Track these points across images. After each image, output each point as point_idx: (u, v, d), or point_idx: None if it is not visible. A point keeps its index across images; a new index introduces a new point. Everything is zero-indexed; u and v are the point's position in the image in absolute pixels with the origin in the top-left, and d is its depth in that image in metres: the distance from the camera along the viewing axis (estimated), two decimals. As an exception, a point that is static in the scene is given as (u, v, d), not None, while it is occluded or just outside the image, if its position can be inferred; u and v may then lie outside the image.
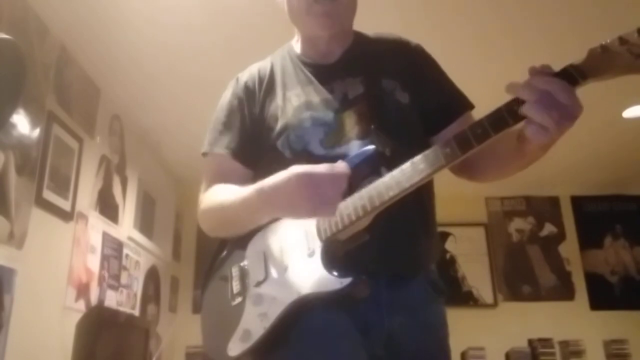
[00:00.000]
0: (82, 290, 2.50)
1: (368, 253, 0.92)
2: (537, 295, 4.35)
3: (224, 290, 1.01)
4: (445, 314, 1.07)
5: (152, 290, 3.57)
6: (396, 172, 0.86)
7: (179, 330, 3.88)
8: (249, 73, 1.17)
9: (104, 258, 2.77)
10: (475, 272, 4.39)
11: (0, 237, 1.89)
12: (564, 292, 4.37)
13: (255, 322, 0.93)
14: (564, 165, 3.88)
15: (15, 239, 1.98)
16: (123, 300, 3.01)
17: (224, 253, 1.08)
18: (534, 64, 0.79)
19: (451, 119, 1.08)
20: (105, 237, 2.80)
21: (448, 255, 4.40)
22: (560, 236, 4.54)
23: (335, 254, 0.91)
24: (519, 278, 4.41)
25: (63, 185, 2.37)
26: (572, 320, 4.21)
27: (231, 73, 1.22)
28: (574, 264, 4.45)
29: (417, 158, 0.85)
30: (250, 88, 1.14)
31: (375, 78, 1.08)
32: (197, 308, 3.89)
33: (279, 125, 1.06)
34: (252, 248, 1.01)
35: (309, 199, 0.84)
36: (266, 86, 1.13)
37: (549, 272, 4.43)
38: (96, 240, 2.70)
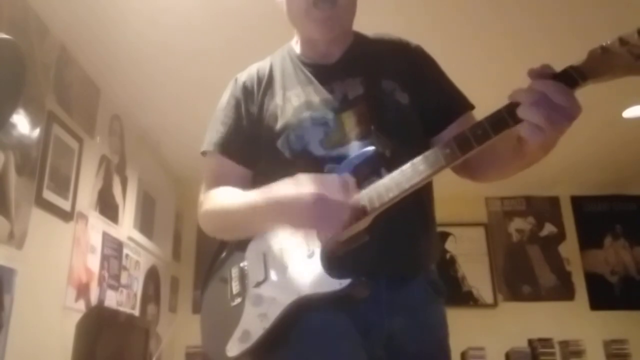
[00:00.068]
0: (82, 290, 2.50)
1: (368, 254, 0.91)
2: (537, 295, 4.35)
3: (224, 291, 1.01)
4: (445, 314, 1.07)
5: (152, 290, 3.57)
6: (396, 174, 0.87)
7: (179, 330, 3.88)
8: (248, 73, 1.17)
9: (104, 258, 2.77)
10: (475, 272, 4.39)
11: (0, 237, 1.89)
12: (564, 292, 4.37)
13: (254, 323, 0.93)
14: (564, 165, 3.88)
15: (15, 239, 1.98)
16: (123, 300, 3.01)
17: (224, 254, 1.08)
18: (534, 64, 0.80)
19: (451, 120, 1.08)
20: (105, 237, 2.80)
21: (448, 255, 4.40)
22: (560, 236, 4.54)
23: (335, 255, 0.91)
24: (519, 278, 4.41)
25: (63, 185, 2.37)
26: (572, 320, 4.21)
27: (231, 73, 1.22)
28: (574, 264, 4.45)
29: (417, 159, 0.85)
30: (248, 88, 1.14)
31: (375, 79, 1.07)
32: (197, 308, 3.86)
33: (278, 125, 1.06)
34: (252, 249, 1.01)
35: (319, 219, 0.85)
36: (265, 86, 1.13)
37: (549, 272, 4.43)
38: (96, 240, 2.70)
